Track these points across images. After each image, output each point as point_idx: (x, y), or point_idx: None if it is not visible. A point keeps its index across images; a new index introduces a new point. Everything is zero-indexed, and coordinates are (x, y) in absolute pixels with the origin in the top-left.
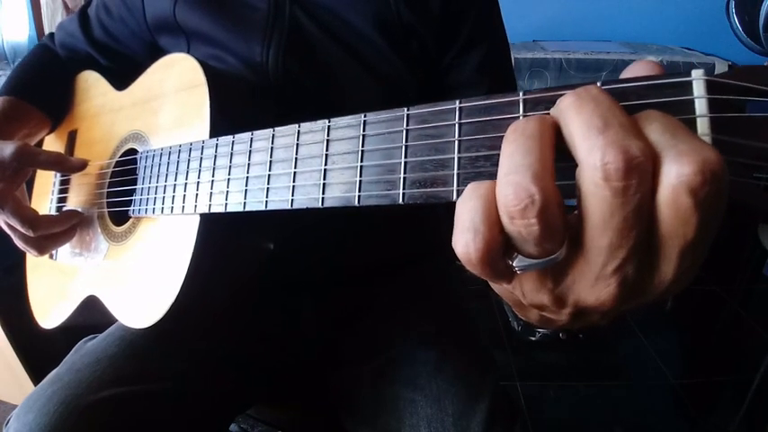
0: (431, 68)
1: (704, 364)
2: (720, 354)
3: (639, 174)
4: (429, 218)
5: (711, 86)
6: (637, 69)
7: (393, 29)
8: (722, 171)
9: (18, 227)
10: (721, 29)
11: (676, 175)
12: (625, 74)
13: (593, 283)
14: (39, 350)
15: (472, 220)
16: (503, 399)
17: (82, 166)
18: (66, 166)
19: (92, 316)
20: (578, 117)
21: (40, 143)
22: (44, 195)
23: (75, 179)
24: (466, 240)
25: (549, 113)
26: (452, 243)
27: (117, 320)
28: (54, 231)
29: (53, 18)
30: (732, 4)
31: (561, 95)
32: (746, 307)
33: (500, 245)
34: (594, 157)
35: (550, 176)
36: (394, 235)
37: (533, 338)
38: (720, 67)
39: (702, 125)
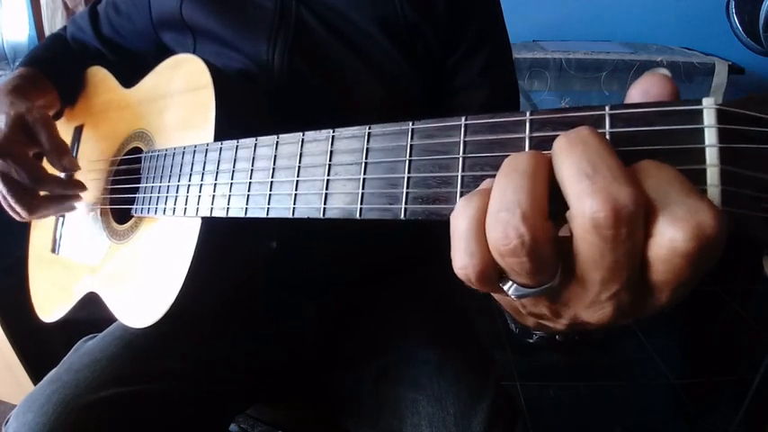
0: (436, 70)
1: (704, 364)
2: (720, 354)
3: (629, 223)
4: (432, 222)
5: (722, 115)
6: (648, 84)
7: (398, 30)
8: (717, 233)
9: (22, 178)
10: (721, 29)
11: (669, 239)
12: (634, 88)
13: (589, 306)
14: (38, 349)
15: (468, 245)
16: (503, 399)
17: (71, 167)
18: (62, 160)
19: (92, 313)
20: (568, 160)
21: None
22: None
23: (80, 175)
24: (463, 263)
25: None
26: (452, 259)
27: (116, 319)
28: (56, 193)
29: (53, 18)
30: (732, 4)
31: (568, 117)
32: (746, 307)
33: (495, 271)
34: (583, 204)
35: (541, 214)
36: (396, 237)
37: (531, 341)
38: (720, 68)
39: (711, 155)
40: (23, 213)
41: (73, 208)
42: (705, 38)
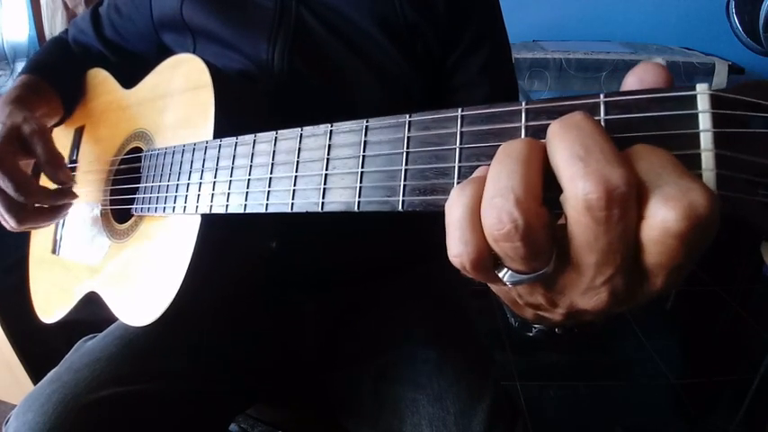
0: (435, 70)
1: (704, 364)
2: (720, 354)
3: (621, 204)
4: (431, 219)
5: (716, 101)
6: (642, 72)
7: (398, 29)
8: (709, 213)
9: (9, 190)
10: (721, 29)
11: (662, 219)
12: (630, 76)
13: (584, 292)
14: (38, 349)
15: (462, 233)
16: (503, 399)
17: (66, 180)
18: (58, 174)
19: (92, 312)
20: (561, 144)
21: None
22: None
23: (81, 175)
24: (458, 251)
25: (546, 132)
26: (447, 247)
27: (117, 318)
28: (43, 205)
29: (53, 18)
30: (732, 4)
31: (564, 106)
32: (746, 307)
33: (490, 258)
34: (576, 186)
35: (534, 200)
36: (396, 235)
37: (530, 334)
38: (720, 68)
39: (705, 140)
40: (12, 223)
41: (64, 216)
42: (705, 38)
